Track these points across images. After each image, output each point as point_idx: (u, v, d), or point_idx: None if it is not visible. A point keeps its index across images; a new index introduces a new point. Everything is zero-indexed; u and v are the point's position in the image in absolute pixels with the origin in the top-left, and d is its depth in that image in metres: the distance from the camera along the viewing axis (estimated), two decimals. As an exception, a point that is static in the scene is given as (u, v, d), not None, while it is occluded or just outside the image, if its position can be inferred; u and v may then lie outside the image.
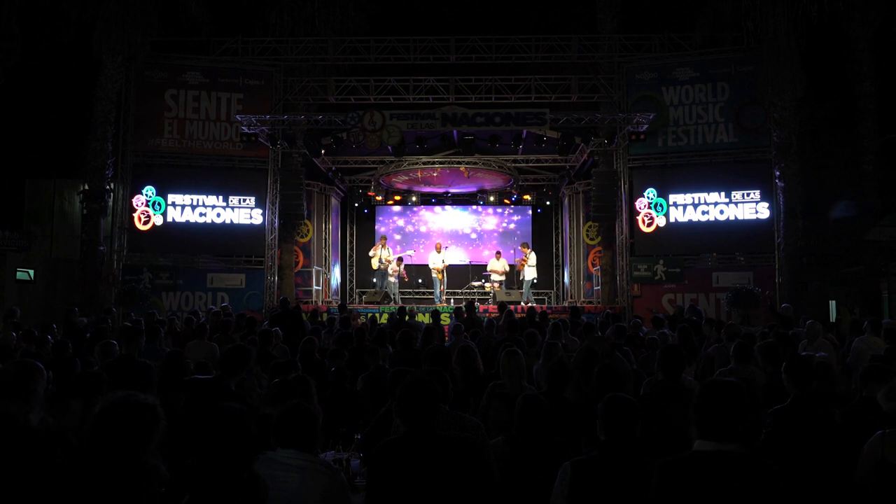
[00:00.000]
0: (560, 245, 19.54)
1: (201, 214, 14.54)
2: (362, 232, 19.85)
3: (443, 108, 14.27)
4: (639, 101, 14.33)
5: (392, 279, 15.85)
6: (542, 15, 17.91)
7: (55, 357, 6.08)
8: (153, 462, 2.54)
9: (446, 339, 8.70)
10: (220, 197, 14.62)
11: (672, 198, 14.30)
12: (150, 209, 14.29)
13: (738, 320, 11.08)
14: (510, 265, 16.44)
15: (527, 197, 18.60)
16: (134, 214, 14.21)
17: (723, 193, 14.04)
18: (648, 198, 14.42)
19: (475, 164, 17.06)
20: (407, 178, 17.97)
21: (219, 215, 14.61)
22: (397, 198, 18.98)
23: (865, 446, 3.40)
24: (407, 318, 10.33)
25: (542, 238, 19.63)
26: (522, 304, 14.54)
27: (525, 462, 3.41)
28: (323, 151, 15.28)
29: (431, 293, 16.62)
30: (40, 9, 13.03)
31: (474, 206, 19.74)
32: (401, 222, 19.92)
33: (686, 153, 14.38)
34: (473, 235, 19.81)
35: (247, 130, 13.86)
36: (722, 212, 14.05)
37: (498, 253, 16.65)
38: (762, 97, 13.42)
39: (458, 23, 17.12)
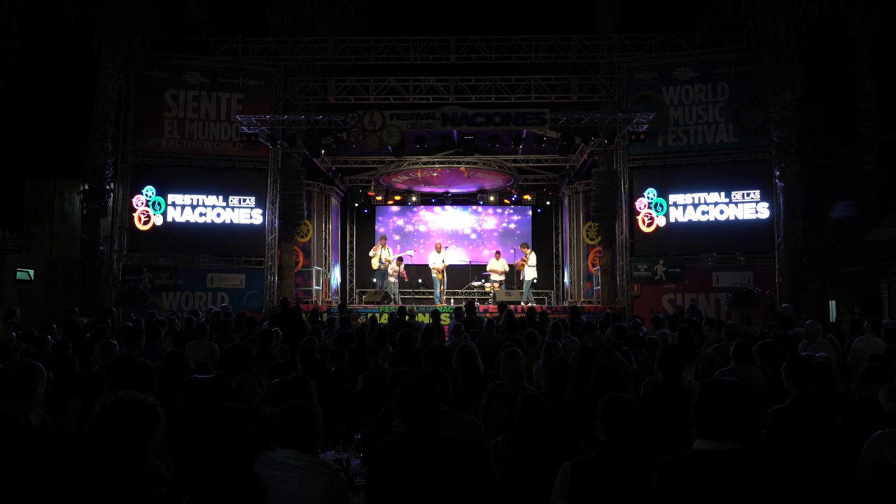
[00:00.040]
0: (560, 245, 19.54)
1: (201, 214, 14.54)
2: (362, 232, 19.85)
3: (443, 108, 14.27)
4: (639, 101, 14.33)
5: (392, 279, 15.85)
6: (542, 15, 17.91)
7: (55, 357, 6.08)
8: (153, 462, 2.54)
9: (446, 339, 8.70)
10: (220, 197, 14.62)
11: (672, 198, 14.30)
12: (150, 209, 14.29)
13: (738, 320, 11.07)
14: (510, 265, 16.44)
15: (527, 197, 18.60)
16: (134, 214, 14.21)
17: (723, 193, 14.04)
18: (648, 198, 14.42)
19: (475, 164, 17.06)
20: (407, 178, 17.97)
21: (219, 215, 14.61)
22: (397, 198, 18.99)
23: (865, 446, 3.40)
24: (407, 318, 10.33)
25: (542, 238, 19.63)
26: (522, 304, 14.54)
27: (525, 462, 3.41)
28: (323, 151, 15.28)
29: (431, 293, 16.63)
30: (40, 9, 13.03)
31: (474, 206, 19.74)
32: (401, 222, 19.92)
33: (686, 153, 14.38)
34: (473, 235, 19.81)
35: (247, 130, 13.86)
36: (722, 212, 14.05)
37: (497, 253, 16.64)
38: (762, 97, 13.42)
39: (458, 23, 17.14)
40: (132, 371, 4.34)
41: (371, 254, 16.50)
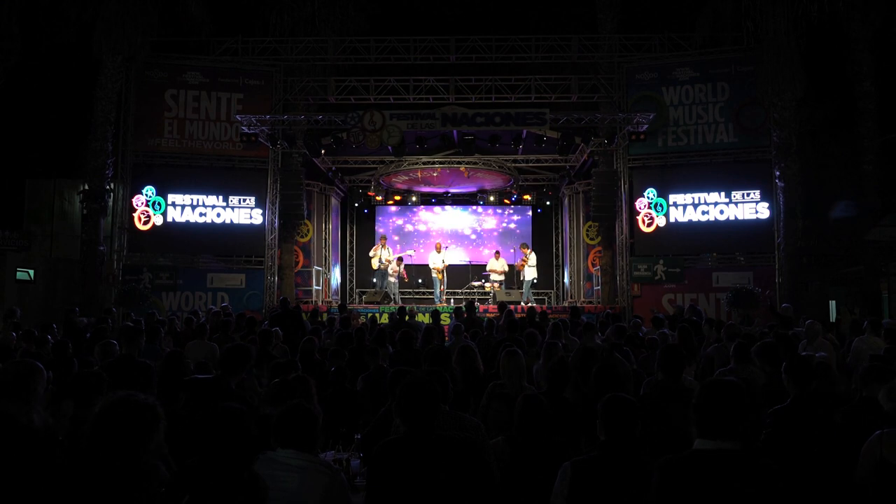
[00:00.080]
0: (560, 245, 19.54)
1: (201, 214, 14.54)
2: (362, 232, 19.85)
3: (443, 108, 14.27)
4: (639, 101, 14.33)
5: (392, 279, 15.85)
6: (542, 15, 17.91)
7: (55, 357, 6.08)
8: (153, 462, 2.54)
9: (446, 339, 8.70)
10: (220, 197, 14.62)
11: (672, 198, 14.30)
12: (150, 209, 14.29)
13: (738, 320, 11.07)
14: (510, 265, 16.44)
15: (527, 197, 18.61)
16: (134, 214, 14.21)
17: (723, 193, 14.04)
18: (648, 198, 14.42)
19: (475, 164, 17.07)
20: (407, 178, 17.97)
21: (219, 215, 14.61)
22: (397, 198, 18.99)
23: (864, 446, 3.40)
24: (407, 318, 10.33)
25: (542, 238, 19.63)
26: (522, 304, 14.54)
27: (525, 462, 3.41)
28: (323, 151, 15.28)
29: (431, 293, 16.63)
30: (40, 9, 13.03)
31: (474, 206, 19.74)
32: (400, 222, 19.92)
33: (686, 153, 14.38)
34: (473, 235, 19.81)
35: (247, 130, 13.86)
36: (722, 212, 14.05)
37: (497, 252, 16.64)
38: (762, 97, 13.42)
39: (458, 23, 17.14)
40: (132, 371, 4.34)
41: (371, 254, 16.50)
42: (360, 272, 19.59)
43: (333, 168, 17.68)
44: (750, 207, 13.90)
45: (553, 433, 3.54)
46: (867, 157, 13.98)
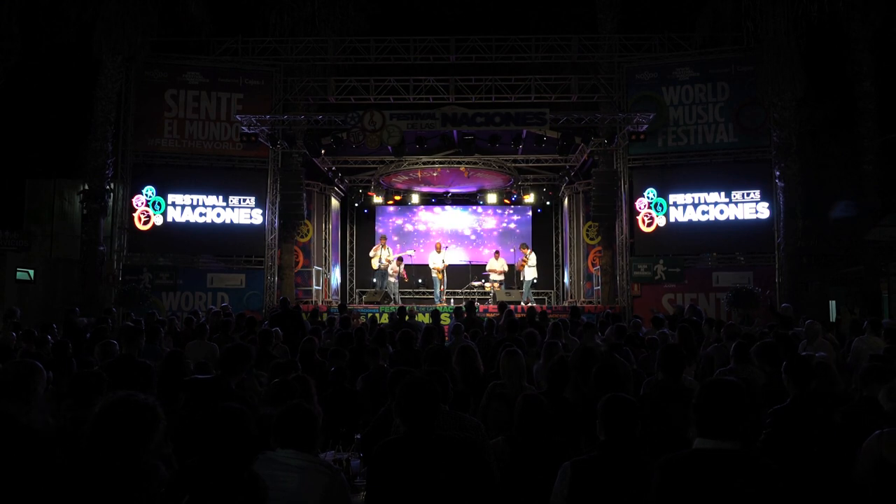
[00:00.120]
0: (560, 245, 19.54)
1: (201, 214, 14.53)
2: (362, 232, 19.85)
3: (443, 108, 14.27)
4: (639, 101, 14.33)
5: (392, 279, 15.85)
6: (542, 15, 17.91)
7: (55, 357, 6.09)
8: (153, 462, 2.54)
9: (446, 339, 8.70)
10: (220, 197, 14.62)
11: (672, 198, 14.30)
12: (150, 209, 14.29)
13: (738, 320, 11.08)
14: (509, 265, 16.44)
15: (527, 197, 18.62)
16: (134, 214, 14.21)
17: (723, 193, 14.04)
18: (648, 198, 14.42)
19: (475, 164, 17.07)
20: (407, 178, 17.97)
21: (219, 215, 14.61)
22: (397, 198, 18.99)
23: (864, 446, 3.40)
24: (407, 318, 10.33)
25: (542, 238, 19.63)
26: (522, 304, 14.54)
27: (525, 462, 3.41)
28: (323, 151, 15.28)
29: (431, 293, 16.63)
30: (40, 9, 13.03)
31: (474, 206, 19.74)
32: (400, 222, 19.92)
33: (686, 153, 14.38)
34: (473, 236, 19.81)
35: (247, 130, 13.85)
36: (722, 212, 14.05)
37: (497, 252, 16.64)
38: (762, 97, 13.42)
39: (458, 23, 17.14)
40: (132, 371, 4.35)
41: (371, 254, 16.50)
42: (360, 272, 19.58)
43: (333, 168, 17.68)
44: (750, 207, 13.90)
45: (553, 433, 3.54)
46: (867, 157, 13.98)
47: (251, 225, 14.68)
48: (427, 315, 11.26)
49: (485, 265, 17.18)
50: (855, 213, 14.63)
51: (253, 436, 2.54)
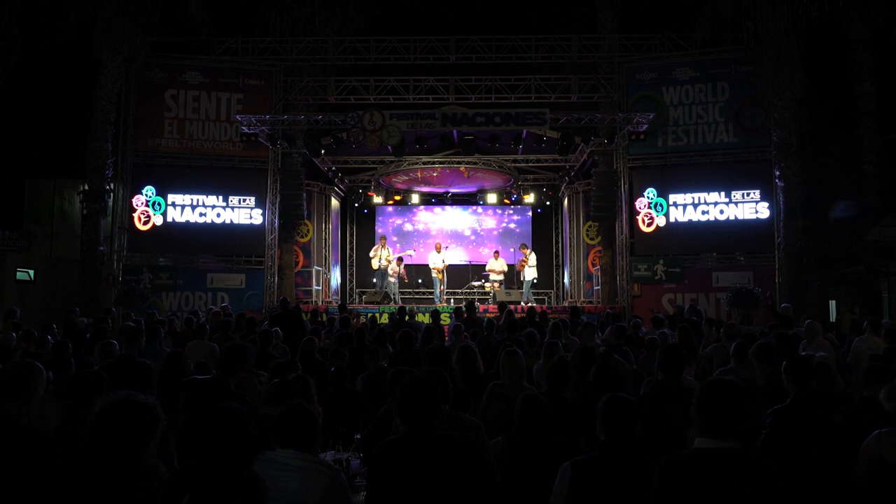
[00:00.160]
0: (560, 245, 19.54)
1: (201, 214, 14.53)
2: (362, 232, 19.85)
3: (443, 108, 14.26)
4: (639, 101, 14.33)
5: (392, 279, 15.85)
6: (542, 15, 17.91)
7: (55, 357, 6.08)
8: (153, 462, 2.54)
9: (446, 339, 8.70)
10: (220, 197, 14.62)
11: (672, 198, 14.30)
12: (150, 209, 14.29)
13: (738, 320, 11.08)
14: (509, 265, 16.44)
15: (527, 197, 18.62)
16: (134, 214, 14.21)
17: (723, 193, 14.04)
18: (648, 198, 14.42)
19: (475, 164, 17.07)
20: (407, 178, 17.97)
21: (219, 215, 14.61)
22: (397, 198, 19.00)
23: (863, 445, 3.40)
24: (407, 318, 10.34)
25: (542, 238, 19.63)
26: (522, 304, 14.54)
27: (525, 462, 3.41)
28: (323, 151, 15.28)
29: (431, 293, 16.63)
30: (40, 9, 13.03)
31: (474, 206, 19.75)
32: (400, 222, 19.92)
33: (686, 153, 14.38)
34: (473, 236, 19.81)
35: (247, 130, 13.85)
36: (722, 212, 14.05)
37: (496, 252, 16.63)
38: (762, 97, 13.42)
39: (458, 23, 17.14)
40: (132, 371, 4.34)
41: (371, 254, 16.50)
42: (360, 272, 19.58)
43: (333, 168, 17.68)
44: (750, 207, 13.90)
45: (553, 433, 3.54)
46: (867, 157, 13.98)
47: (251, 225, 14.68)
48: (427, 315, 11.26)
49: (485, 265, 17.18)
50: (855, 213, 14.64)
51: (253, 436, 2.54)
